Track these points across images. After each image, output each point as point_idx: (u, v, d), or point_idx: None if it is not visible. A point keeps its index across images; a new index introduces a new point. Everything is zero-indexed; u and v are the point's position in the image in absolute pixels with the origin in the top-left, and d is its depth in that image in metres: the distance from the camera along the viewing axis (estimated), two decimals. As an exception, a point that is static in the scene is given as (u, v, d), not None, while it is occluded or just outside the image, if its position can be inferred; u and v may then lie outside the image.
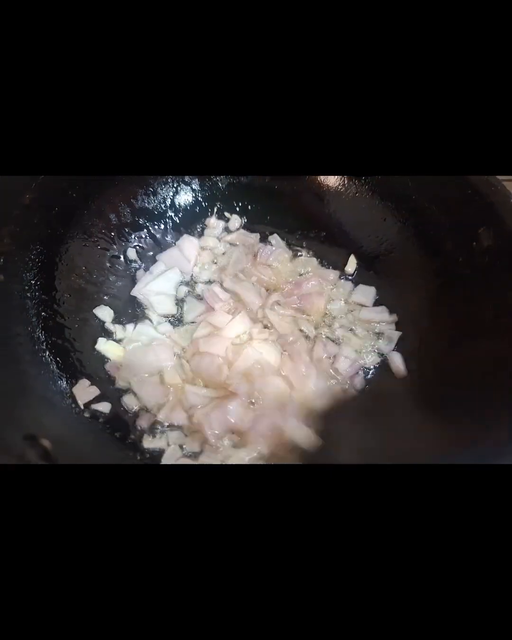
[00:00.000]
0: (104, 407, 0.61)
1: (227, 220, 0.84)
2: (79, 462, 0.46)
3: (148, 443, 0.59)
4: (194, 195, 0.84)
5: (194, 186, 0.84)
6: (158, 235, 0.81)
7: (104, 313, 0.71)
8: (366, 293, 0.75)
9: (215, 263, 0.81)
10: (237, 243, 0.82)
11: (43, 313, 0.62)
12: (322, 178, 0.81)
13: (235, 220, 0.85)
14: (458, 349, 0.58)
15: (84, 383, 0.61)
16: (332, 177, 0.80)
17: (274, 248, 0.80)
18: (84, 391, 0.61)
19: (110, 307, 0.72)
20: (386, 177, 0.73)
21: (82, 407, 0.59)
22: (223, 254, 0.82)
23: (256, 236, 0.82)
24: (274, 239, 0.82)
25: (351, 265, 0.78)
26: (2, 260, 0.59)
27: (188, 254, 0.80)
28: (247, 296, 0.73)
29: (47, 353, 0.60)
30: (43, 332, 0.61)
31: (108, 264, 0.75)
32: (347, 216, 0.79)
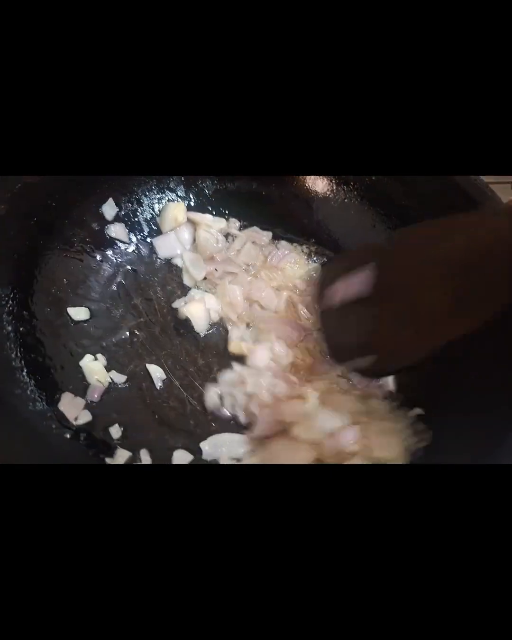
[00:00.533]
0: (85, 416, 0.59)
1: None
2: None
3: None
4: (179, 202, 0.82)
5: (179, 193, 0.82)
6: (141, 245, 0.79)
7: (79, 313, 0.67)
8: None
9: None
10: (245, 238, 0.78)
11: (21, 328, 0.60)
12: (310, 184, 0.79)
13: (234, 222, 0.82)
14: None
15: (67, 396, 0.59)
16: (321, 182, 0.78)
17: (286, 251, 0.77)
18: (71, 405, 0.58)
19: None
20: (375, 183, 0.72)
21: (73, 423, 0.57)
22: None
23: (268, 234, 0.79)
24: (282, 244, 0.79)
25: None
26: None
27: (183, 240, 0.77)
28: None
29: (25, 371, 0.57)
30: (20, 349, 0.58)
31: (91, 275, 0.72)
32: (336, 222, 0.77)
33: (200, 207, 0.81)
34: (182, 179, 0.81)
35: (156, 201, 0.80)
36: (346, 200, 0.76)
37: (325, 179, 0.78)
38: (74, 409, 0.58)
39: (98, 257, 0.73)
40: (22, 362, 0.57)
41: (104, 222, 0.74)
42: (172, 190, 0.81)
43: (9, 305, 0.60)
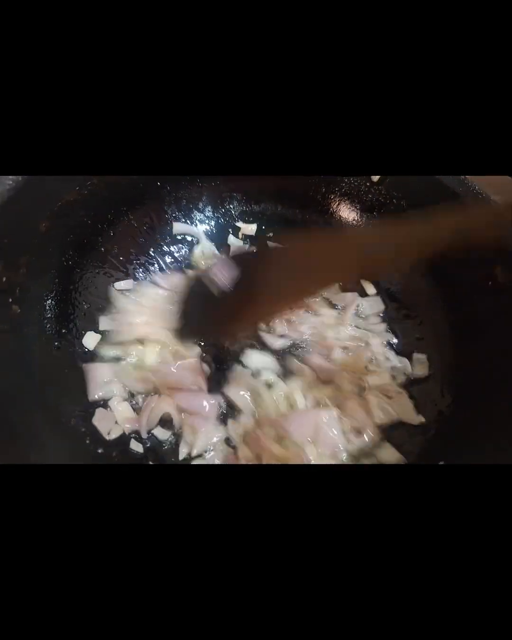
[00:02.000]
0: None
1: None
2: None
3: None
4: (207, 223, 0.85)
5: (207, 213, 0.85)
6: (171, 265, 0.81)
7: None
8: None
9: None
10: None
11: (57, 343, 0.62)
12: (333, 208, 0.82)
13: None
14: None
15: (100, 412, 0.60)
16: (345, 208, 0.81)
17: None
18: (103, 420, 0.59)
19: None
20: (398, 211, 0.74)
21: (106, 437, 0.58)
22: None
23: None
24: None
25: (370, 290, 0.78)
26: (18, 291, 0.59)
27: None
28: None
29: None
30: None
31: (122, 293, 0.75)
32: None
33: (228, 225, 0.85)
34: (209, 199, 0.84)
35: (185, 220, 0.83)
36: (369, 226, 0.78)
37: (349, 204, 0.81)
38: (107, 424, 0.59)
39: (129, 276, 0.76)
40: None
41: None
42: (201, 211, 0.84)
43: (49, 321, 0.62)
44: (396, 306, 0.76)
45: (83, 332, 0.66)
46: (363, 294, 0.78)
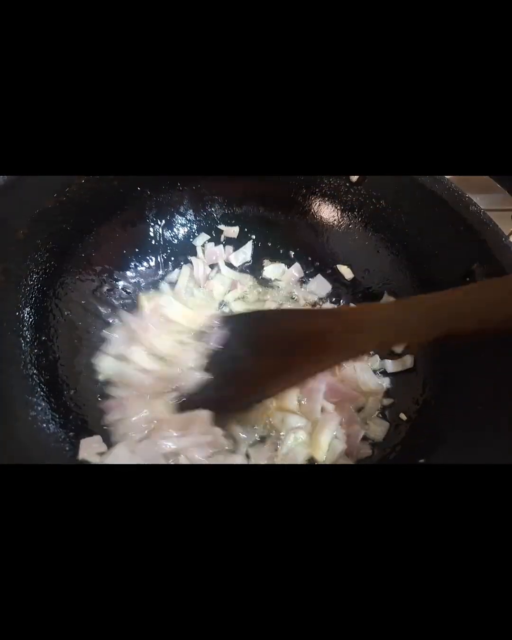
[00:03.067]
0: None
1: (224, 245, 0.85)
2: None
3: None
4: (188, 226, 0.85)
5: (188, 217, 0.85)
6: (152, 267, 0.81)
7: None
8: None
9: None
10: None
11: (36, 350, 0.61)
12: (315, 209, 0.82)
13: (247, 249, 0.85)
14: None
15: (95, 439, 0.59)
16: (326, 209, 0.81)
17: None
18: (90, 446, 0.58)
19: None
20: (378, 211, 0.74)
21: (79, 457, 0.57)
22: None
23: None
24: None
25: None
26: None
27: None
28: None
29: (41, 393, 0.59)
30: (36, 370, 0.60)
31: (104, 297, 0.74)
32: (342, 247, 0.80)
33: (210, 229, 0.85)
34: (191, 203, 0.84)
35: (166, 224, 0.83)
36: (350, 226, 0.78)
37: (329, 206, 0.81)
38: (90, 450, 0.58)
39: (111, 280, 0.76)
40: (39, 383, 0.59)
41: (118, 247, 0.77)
42: (182, 214, 0.84)
43: (26, 327, 0.61)
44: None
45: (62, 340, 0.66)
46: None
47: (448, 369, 0.60)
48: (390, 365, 0.69)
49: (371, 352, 0.70)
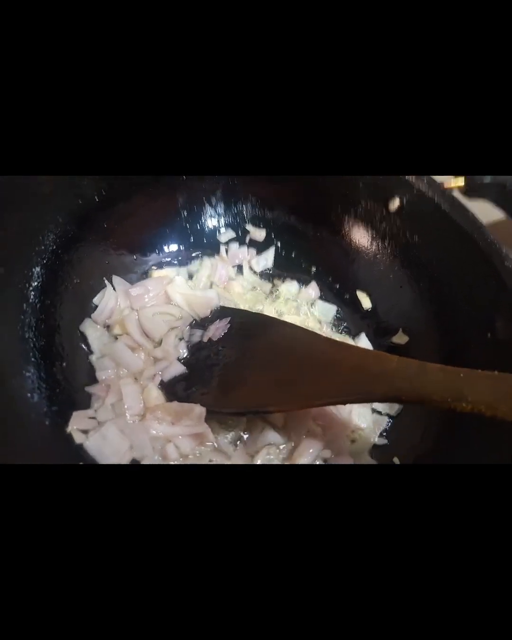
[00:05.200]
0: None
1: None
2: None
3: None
4: (216, 219, 0.82)
5: (218, 209, 0.83)
6: (171, 253, 0.79)
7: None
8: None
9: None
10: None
11: (38, 314, 0.58)
12: (346, 229, 0.80)
13: (269, 255, 0.83)
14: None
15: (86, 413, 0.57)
16: (357, 231, 0.79)
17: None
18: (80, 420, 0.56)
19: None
20: (410, 245, 0.73)
21: (68, 431, 0.54)
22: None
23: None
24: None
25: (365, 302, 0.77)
26: (6, 251, 0.55)
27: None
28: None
29: (35, 358, 0.56)
30: (33, 334, 0.57)
31: (117, 273, 0.72)
32: (365, 274, 0.78)
33: (234, 227, 0.83)
34: (223, 197, 0.82)
35: (195, 212, 0.81)
36: (378, 256, 0.77)
37: (362, 229, 0.79)
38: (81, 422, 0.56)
39: (129, 257, 0.73)
40: (33, 348, 0.56)
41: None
42: (213, 206, 0.82)
43: (32, 287, 0.58)
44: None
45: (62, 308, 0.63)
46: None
47: (455, 428, 0.59)
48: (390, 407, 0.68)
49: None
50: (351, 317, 0.78)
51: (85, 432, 0.55)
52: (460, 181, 0.80)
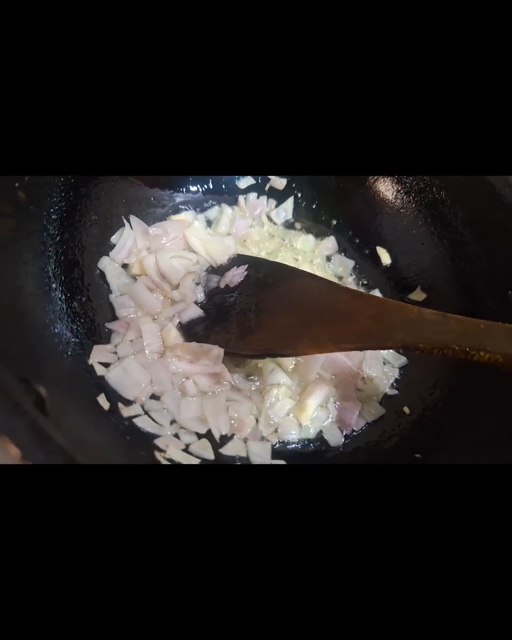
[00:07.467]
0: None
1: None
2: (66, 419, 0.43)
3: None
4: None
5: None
6: (190, 192, 0.77)
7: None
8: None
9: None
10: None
11: (58, 247, 0.57)
12: (371, 180, 0.78)
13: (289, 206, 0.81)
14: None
15: (107, 347, 0.57)
16: (384, 183, 0.77)
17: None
18: (101, 353, 0.56)
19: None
20: (436, 201, 0.72)
21: (89, 362, 0.55)
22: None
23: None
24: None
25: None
26: (27, 178, 0.53)
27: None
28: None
29: (57, 291, 0.55)
30: (54, 266, 0.56)
31: (134, 212, 0.70)
32: (387, 229, 0.77)
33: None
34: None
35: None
36: (402, 210, 0.76)
37: (388, 181, 0.77)
38: (101, 356, 0.56)
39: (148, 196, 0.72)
40: (56, 280, 0.55)
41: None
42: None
43: (52, 221, 0.57)
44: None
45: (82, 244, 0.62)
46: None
47: (465, 379, 0.60)
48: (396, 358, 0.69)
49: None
50: (369, 272, 0.77)
51: (106, 365, 0.56)
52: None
